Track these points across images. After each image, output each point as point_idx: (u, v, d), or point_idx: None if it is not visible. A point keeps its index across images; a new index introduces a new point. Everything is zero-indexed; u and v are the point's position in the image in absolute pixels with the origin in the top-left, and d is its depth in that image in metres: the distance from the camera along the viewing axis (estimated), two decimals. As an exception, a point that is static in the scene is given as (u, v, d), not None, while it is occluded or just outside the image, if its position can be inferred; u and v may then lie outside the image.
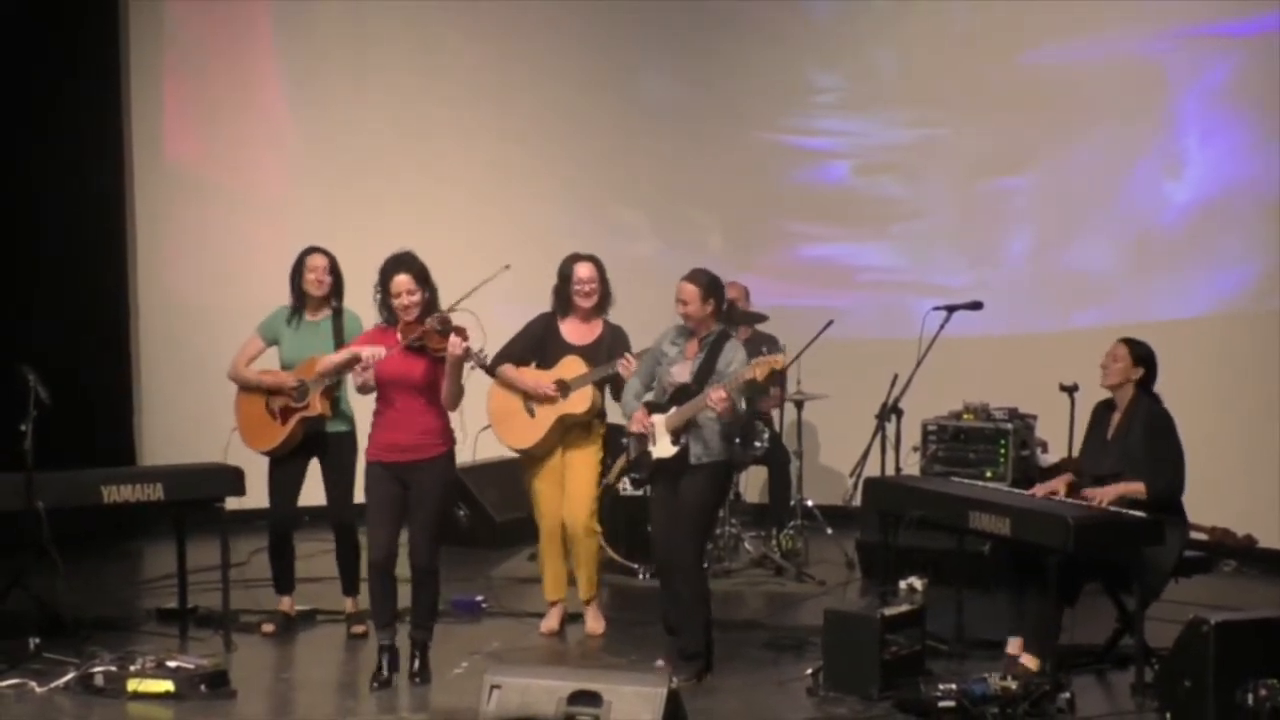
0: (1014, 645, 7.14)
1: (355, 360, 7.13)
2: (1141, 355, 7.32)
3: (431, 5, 11.41)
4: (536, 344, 8.02)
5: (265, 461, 8.10)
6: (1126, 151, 10.31)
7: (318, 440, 7.99)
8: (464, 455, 9.27)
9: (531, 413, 7.97)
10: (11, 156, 10.17)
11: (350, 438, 8.05)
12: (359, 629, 8.00)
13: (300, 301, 8.07)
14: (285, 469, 8.05)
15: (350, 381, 7.63)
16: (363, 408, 7.87)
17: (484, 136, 11.44)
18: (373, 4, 11.34)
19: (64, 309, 10.37)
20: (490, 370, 7.86)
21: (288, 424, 7.93)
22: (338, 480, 8.02)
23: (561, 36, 11.50)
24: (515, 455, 8.24)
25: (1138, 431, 7.22)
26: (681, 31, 11.51)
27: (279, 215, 11.11)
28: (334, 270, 8.07)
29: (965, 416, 9.39)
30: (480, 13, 11.45)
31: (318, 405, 7.84)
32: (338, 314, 8.05)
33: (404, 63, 11.39)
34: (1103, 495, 7.10)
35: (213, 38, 11.11)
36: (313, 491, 8.18)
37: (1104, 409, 7.43)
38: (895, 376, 8.13)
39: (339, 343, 7.83)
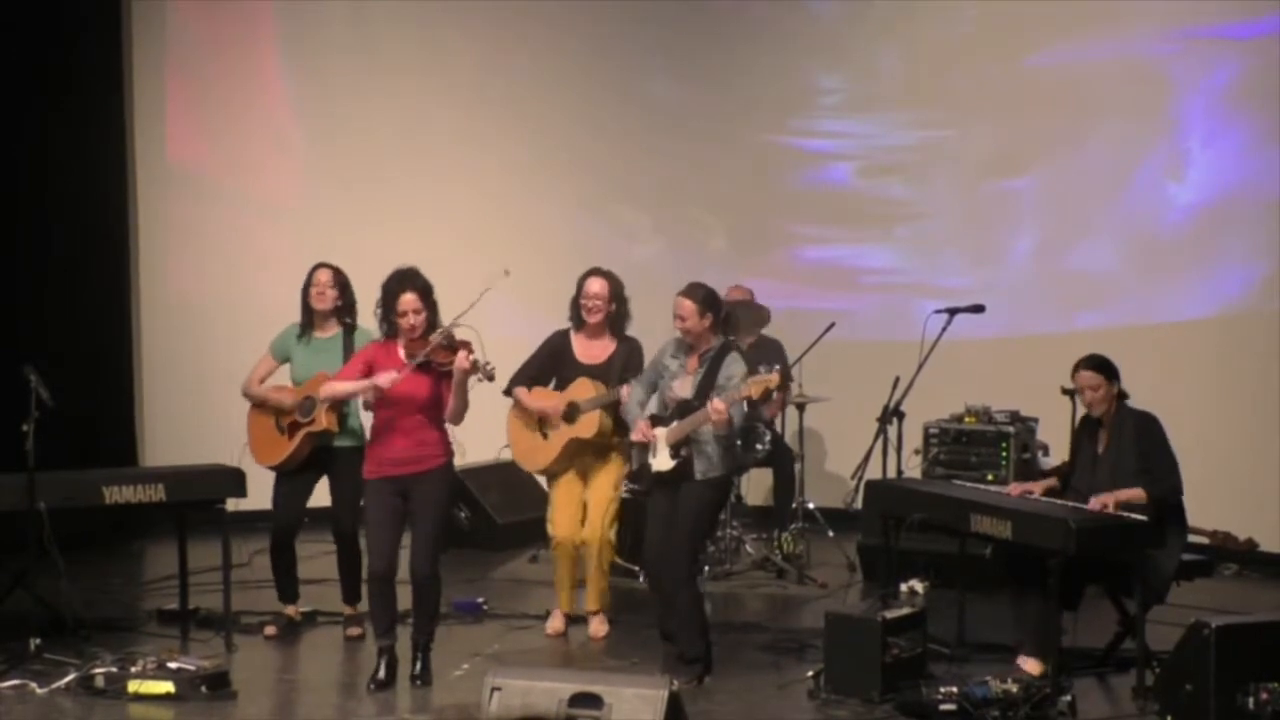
0: (1028, 663, 7.10)
1: (371, 389, 7.14)
2: (1110, 370, 7.31)
3: (436, 6, 11.40)
4: (552, 363, 8.06)
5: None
6: (1130, 153, 10.30)
7: (326, 455, 7.96)
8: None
9: (545, 435, 8.02)
10: (13, 157, 10.15)
11: (358, 454, 7.95)
12: (354, 631, 8.00)
13: (309, 318, 8.04)
14: (291, 483, 8.02)
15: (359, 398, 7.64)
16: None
17: (488, 138, 11.42)
18: (377, 5, 11.33)
19: (66, 309, 10.35)
20: (508, 388, 7.94)
21: (294, 439, 7.91)
22: (345, 494, 7.97)
23: (567, 38, 11.49)
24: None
25: (1128, 440, 7.22)
26: (686, 33, 11.49)
27: (281, 216, 11.11)
28: (340, 284, 8.00)
29: (967, 419, 9.39)
30: (485, 14, 11.43)
31: (324, 420, 7.81)
32: (349, 330, 7.99)
33: (408, 64, 11.38)
34: (1106, 500, 7.09)
35: (216, 38, 11.10)
36: (314, 494, 8.17)
37: (1089, 424, 7.44)
38: (897, 379, 8.12)
39: (349, 360, 7.76)
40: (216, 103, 11.12)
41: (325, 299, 7.97)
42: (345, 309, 8.01)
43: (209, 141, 11.15)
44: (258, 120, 11.23)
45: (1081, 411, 7.59)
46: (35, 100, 10.22)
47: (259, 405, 8.05)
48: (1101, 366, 7.32)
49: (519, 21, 11.43)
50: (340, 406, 7.82)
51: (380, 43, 11.36)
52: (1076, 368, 7.38)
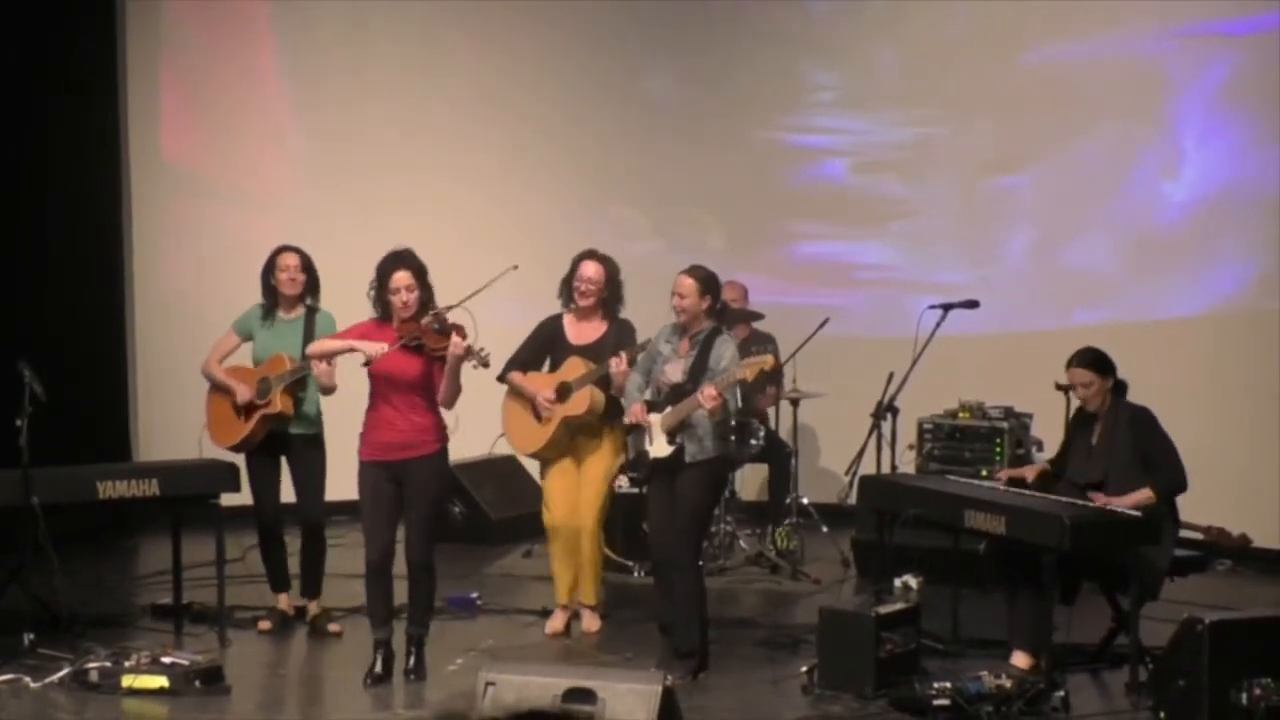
0: (1021, 659, 7.10)
1: (351, 350, 7.12)
2: (1103, 365, 7.30)
3: (432, 3, 11.38)
4: (544, 347, 8.05)
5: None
6: (1125, 151, 10.30)
7: (283, 441, 7.96)
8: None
9: (539, 418, 8.00)
10: (8, 154, 10.14)
11: (316, 440, 7.99)
12: (335, 628, 8.01)
13: (273, 300, 8.03)
14: (259, 464, 8.01)
15: (314, 383, 7.63)
16: (336, 412, 7.84)
17: (484, 135, 11.41)
18: (374, 2, 11.31)
19: (60, 305, 10.35)
20: (501, 374, 7.90)
21: (250, 420, 7.91)
22: (305, 482, 7.98)
23: (562, 35, 11.48)
24: (511, 452, 8.26)
25: (1123, 434, 7.22)
26: (681, 30, 11.49)
27: (277, 212, 11.07)
28: (307, 268, 8.00)
29: (961, 415, 9.40)
30: (481, 11, 11.42)
31: (279, 403, 7.80)
32: (311, 313, 8.00)
33: (404, 60, 11.37)
34: (1119, 504, 7.07)
35: (210, 34, 11.09)
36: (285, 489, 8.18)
37: (1083, 415, 7.44)
38: (891, 374, 8.12)
39: (309, 342, 7.76)
40: (212, 100, 11.11)
41: (296, 284, 7.97)
42: (309, 291, 8.02)
43: (205, 138, 11.14)
44: (254, 117, 11.22)
45: (1076, 404, 7.60)
46: (33, 100, 10.21)
47: (217, 387, 8.04)
48: (1094, 363, 7.31)
49: (516, 19, 11.42)
50: (296, 390, 7.83)
51: (377, 40, 11.35)
52: (1069, 364, 7.39)
